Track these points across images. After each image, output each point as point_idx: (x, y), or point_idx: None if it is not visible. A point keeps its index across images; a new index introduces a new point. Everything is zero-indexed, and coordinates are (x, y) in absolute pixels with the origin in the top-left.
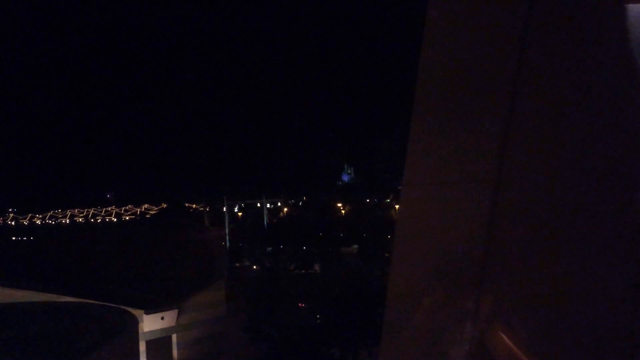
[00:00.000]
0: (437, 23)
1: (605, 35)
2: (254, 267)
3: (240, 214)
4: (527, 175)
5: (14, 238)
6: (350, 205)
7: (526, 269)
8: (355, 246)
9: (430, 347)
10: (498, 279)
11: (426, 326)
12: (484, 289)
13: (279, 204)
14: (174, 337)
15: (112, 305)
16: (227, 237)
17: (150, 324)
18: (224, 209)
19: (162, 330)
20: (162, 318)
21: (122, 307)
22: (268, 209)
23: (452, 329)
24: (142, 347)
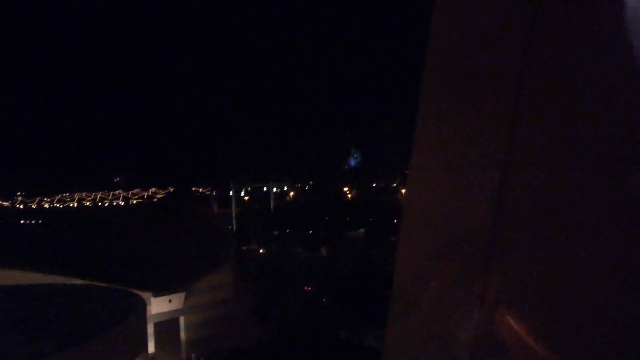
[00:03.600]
0: (445, 7)
1: (616, 22)
2: (261, 250)
3: (246, 197)
4: (536, 158)
5: (22, 221)
6: (357, 189)
7: (534, 253)
8: (362, 230)
9: (436, 330)
10: (506, 263)
11: (432, 310)
12: (491, 272)
13: (286, 187)
14: (182, 319)
15: (120, 287)
16: (234, 221)
17: (158, 306)
18: (231, 193)
19: (169, 312)
20: (170, 300)
21: (130, 289)
22: (275, 192)
23: (459, 313)
24: (150, 329)
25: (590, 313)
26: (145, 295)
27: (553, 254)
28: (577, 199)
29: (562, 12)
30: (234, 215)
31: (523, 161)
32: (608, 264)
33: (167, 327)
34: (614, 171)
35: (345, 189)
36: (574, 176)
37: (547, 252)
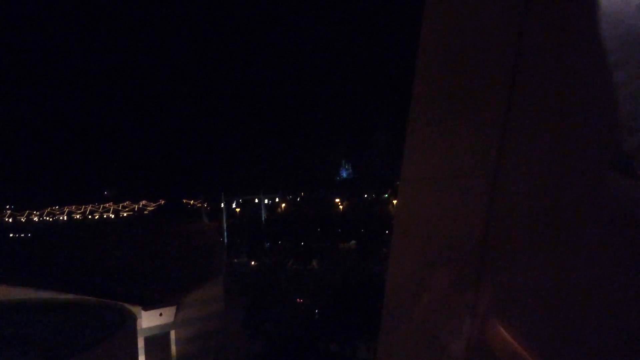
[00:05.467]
0: (434, 18)
1: (604, 28)
2: (252, 262)
3: (238, 210)
4: (527, 168)
5: (11, 235)
6: (348, 201)
7: (525, 263)
8: (354, 242)
9: (428, 342)
10: (498, 273)
11: (424, 321)
12: (483, 283)
13: (277, 199)
14: (172, 333)
15: (110, 301)
16: (225, 233)
17: (149, 320)
18: (222, 205)
19: (160, 326)
20: (161, 314)
21: (120, 303)
22: (266, 205)
23: (451, 324)
24: (141, 343)
25: (582, 324)
26: (135, 309)
27: (545, 263)
28: (568, 207)
29: (551, 21)
30: (225, 227)
31: (513, 171)
32: (601, 272)
33: (157, 341)
34: (605, 179)
35: (337, 200)
36: (565, 185)
37: (539, 261)
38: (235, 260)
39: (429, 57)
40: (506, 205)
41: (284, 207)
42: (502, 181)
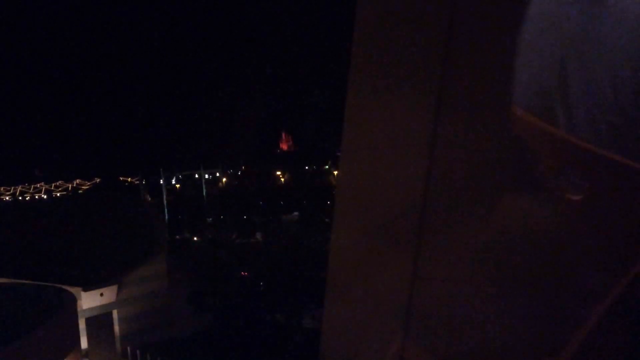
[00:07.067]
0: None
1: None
2: (195, 238)
3: (178, 185)
4: (462, 136)
5: None
6: (290, 174)
7: (462, 226)
8: (296, 213)
9: (373, 306)
10: (436, 237)
11: (368, 286)
12: (422, 247)
13: (218, 174)
14: (115, 312)
15: (48, 284)
16: (166, 210)
17: (89, 301)
18: (161, 182)
19: (101, 307)
20: (101, 294)
21: (59, 285)
22: (206, 179)
23: (394, 287)
24: (82, 324)
25: (515, 281)
26: (75, 290)
27: (481, 225)
28: (502, 171)
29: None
30: (165, 203)
31: (450, 139)
32: (536, 236)
33: (99, 321)
34: (523, 150)
35: (278, 173)
36: (497, 150)
37: (475, 223)
38: (177, 236)
39: (367, 28)
40: (443, 172)
41: (225, 181)
42: (439, 148)
